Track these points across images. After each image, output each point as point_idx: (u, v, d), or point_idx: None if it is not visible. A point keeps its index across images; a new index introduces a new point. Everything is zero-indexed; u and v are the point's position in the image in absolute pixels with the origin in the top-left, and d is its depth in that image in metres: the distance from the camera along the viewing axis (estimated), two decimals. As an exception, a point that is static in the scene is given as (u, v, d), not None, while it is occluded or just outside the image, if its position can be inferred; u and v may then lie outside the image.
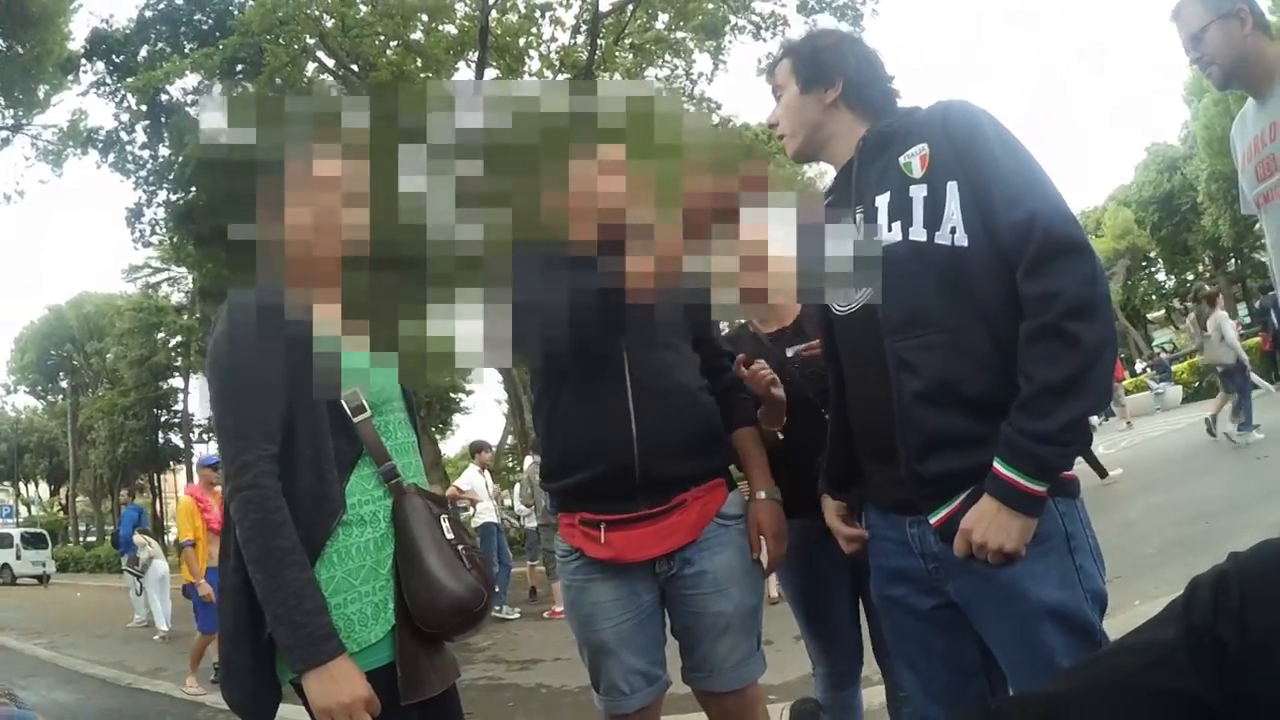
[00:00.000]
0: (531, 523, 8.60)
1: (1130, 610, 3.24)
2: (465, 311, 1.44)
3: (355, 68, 14.26)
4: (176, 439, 35.44)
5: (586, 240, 1.58)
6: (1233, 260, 31.12)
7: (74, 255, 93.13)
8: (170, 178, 14.98)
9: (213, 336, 1.37)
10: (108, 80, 15.23)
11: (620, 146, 1.56)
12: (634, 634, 1.67)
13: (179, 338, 31.29)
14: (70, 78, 16.04)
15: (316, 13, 13.59)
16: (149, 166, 15.45)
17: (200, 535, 5.77)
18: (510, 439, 21.30)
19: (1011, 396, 1.22)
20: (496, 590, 7.57)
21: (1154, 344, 33.32)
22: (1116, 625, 1.24)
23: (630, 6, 15.20)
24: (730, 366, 1.84)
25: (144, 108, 14.65)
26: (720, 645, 1.66)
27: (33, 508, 45.07)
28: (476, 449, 9.16)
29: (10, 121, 17.01)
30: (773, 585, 6.34)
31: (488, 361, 1.67)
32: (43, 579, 23.92)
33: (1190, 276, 35.68)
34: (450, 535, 1.39)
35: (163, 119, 14.62)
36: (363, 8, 14.06)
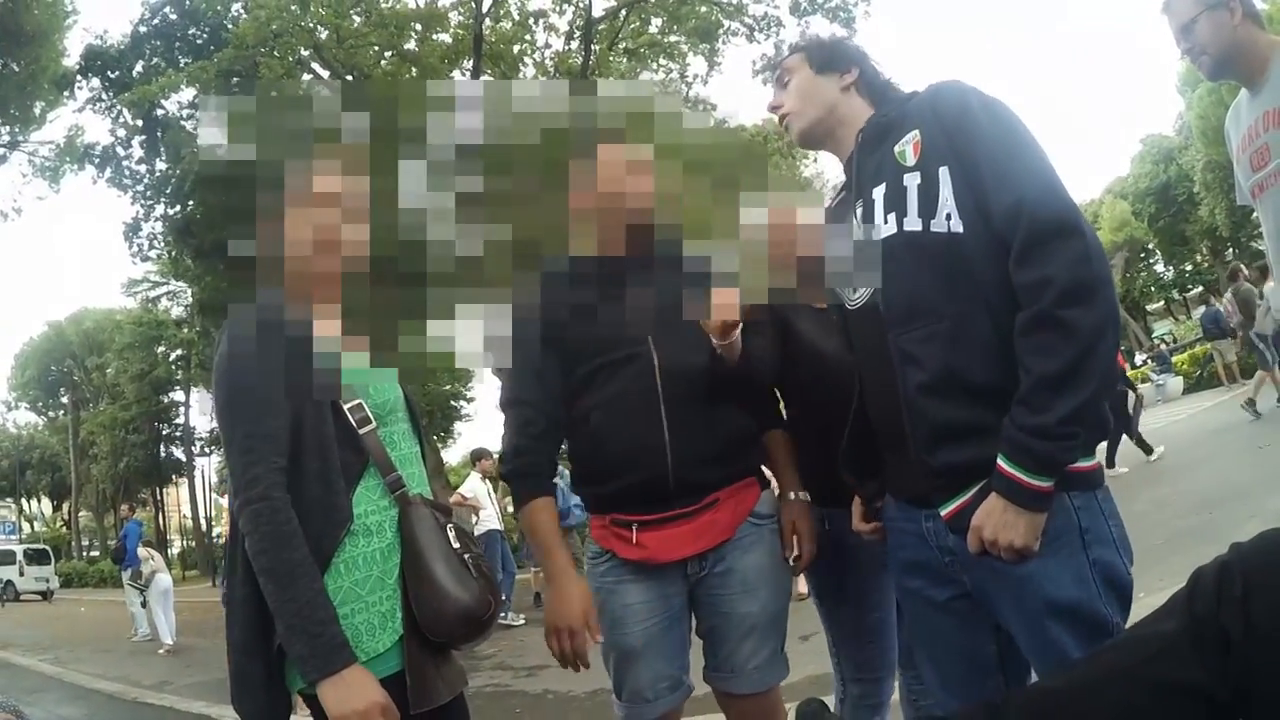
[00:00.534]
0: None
1: (1136, 603, 3.22)
2: (465, 313, 1.45)
3: (350, 79, 14.28)
4: (179, 452, 35.45)
5: (615, 243, 1.60)
6: (1230, 249, 31.10)
7: (73, 271, 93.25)
8: (168, 192, 14.97)
9: (217, 351, 1.38)
10: (103, 96, 15.24)
11: (649, 146, 1.57)
12: (661, 638, 1.65)
13: (179, 351, 31.28)
14: (66, 94, 16.04)
15: (311, 24, 13.62)
16: (146, 181, 15.45)
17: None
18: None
19: (1018, 383, 1.20)
20: (504, 598, 7.58)
21: (1154, 335, 33.29)
22: (1122, 618, 1.24)
23: (624, 12, 15.23)
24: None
25: (140, 122, 14.67)
26: (744, 647, 1.65)
27: (35, 524, 45.04)
28: (478, 456, 9.14)
29: (6, 139, 17.03)
30: (800, 581, 6.31)
31: (489, 363, 1.68)
32: (47, 595, 23.94)
33: (1189, 267, 35.72)
34: (456, 544, 1.40)
35: (159, 133, 14.64)
36: (357, 18, 14.08)
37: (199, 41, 14.60)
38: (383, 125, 1.45)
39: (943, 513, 1.30)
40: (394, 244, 1.43)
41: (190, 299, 21.73)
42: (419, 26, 14.34)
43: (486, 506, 8.35)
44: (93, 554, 37.60)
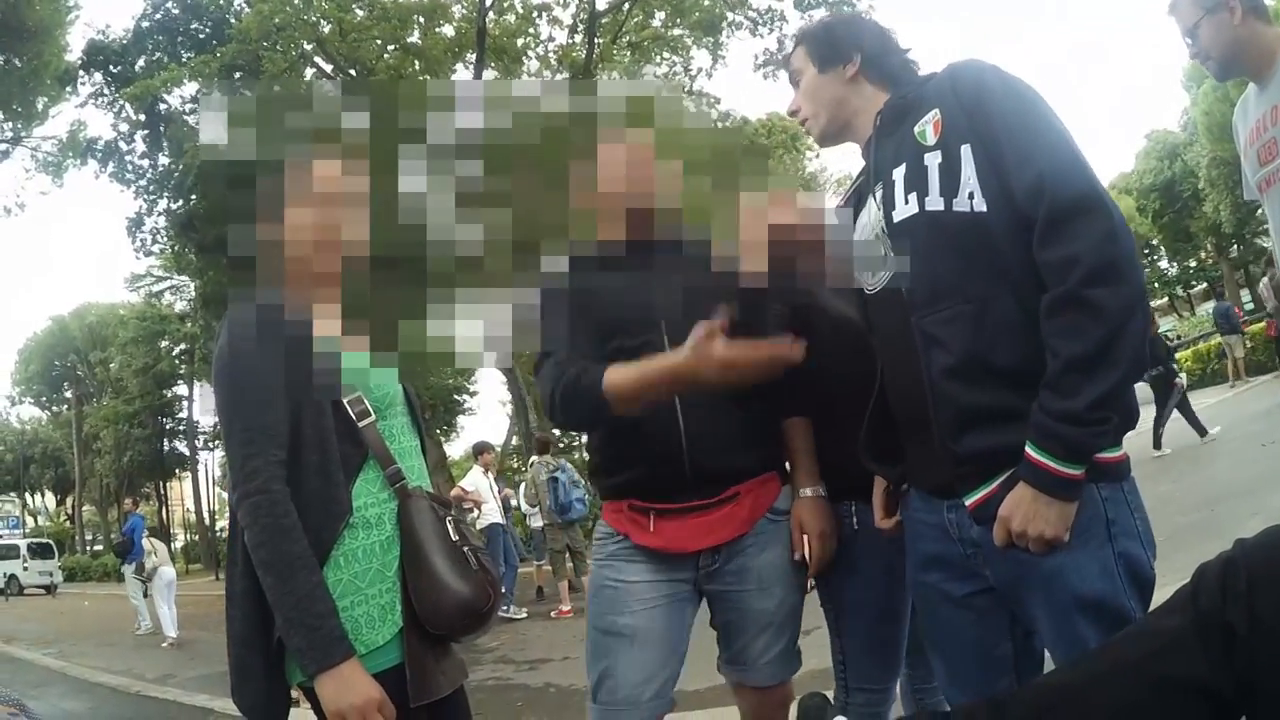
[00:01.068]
0: (537, 523, 8.60)
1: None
2: (466, 311, 1.44)
3: (353, 72, 14.27)
4: (182, 446, 35.54)
5: (616, 234, 1.57)
6: (1235, 246, 31.02)
7: (76, 266, 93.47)
8: (170, 186, 15.00)
9: (216, 344, 1.37)
10: (105, 91, 15.27)
11: (649, 131, 1.54)
12: (659, 625, 1.60)
13: (183, 345, 31.33)
14: (68, 89, 16.07)
15: (313, 18, 13.62)
16: (149, 175, 15.49)
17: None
18: (515, 440, 21.32)
19: (1046, 366, 1.16)
20: (503, 591, 7.59)
21: (1158, 332, 33.17)
22: (1126, 613, 1.23)
23: (627, 5, 15.20)
24: None
25: (142, 117, 14.70)
26: (758, 642, 1.64)
27: (39, 518, 45.21)
28: (480, 450, 9.16)
29: (9, 134, 17.05)
30: None
31: (489, 361, 1.68)
32: (50, 589, 24.00)
33: (1193, 263, 35.61)
34: (455, 537, 1.40)
35: (161, 128, 14.66)
36: (359, 12, 14.06)
37: (201, 36, 14.62)
38: (384, 123, 1.45)
39: (967, 502, 1.26)
40: (394, 240, 1.42)
41: (193, 293, 21.77)
42: (422, 20, 14.33)
43: (489, 500, 8.36)
44: (96, 548, 37.70)
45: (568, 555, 8.06)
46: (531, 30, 15.32)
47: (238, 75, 13.26)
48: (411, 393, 1.54)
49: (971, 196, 1.22)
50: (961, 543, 1.32)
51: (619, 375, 1.46)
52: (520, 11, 15.14)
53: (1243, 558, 1.08)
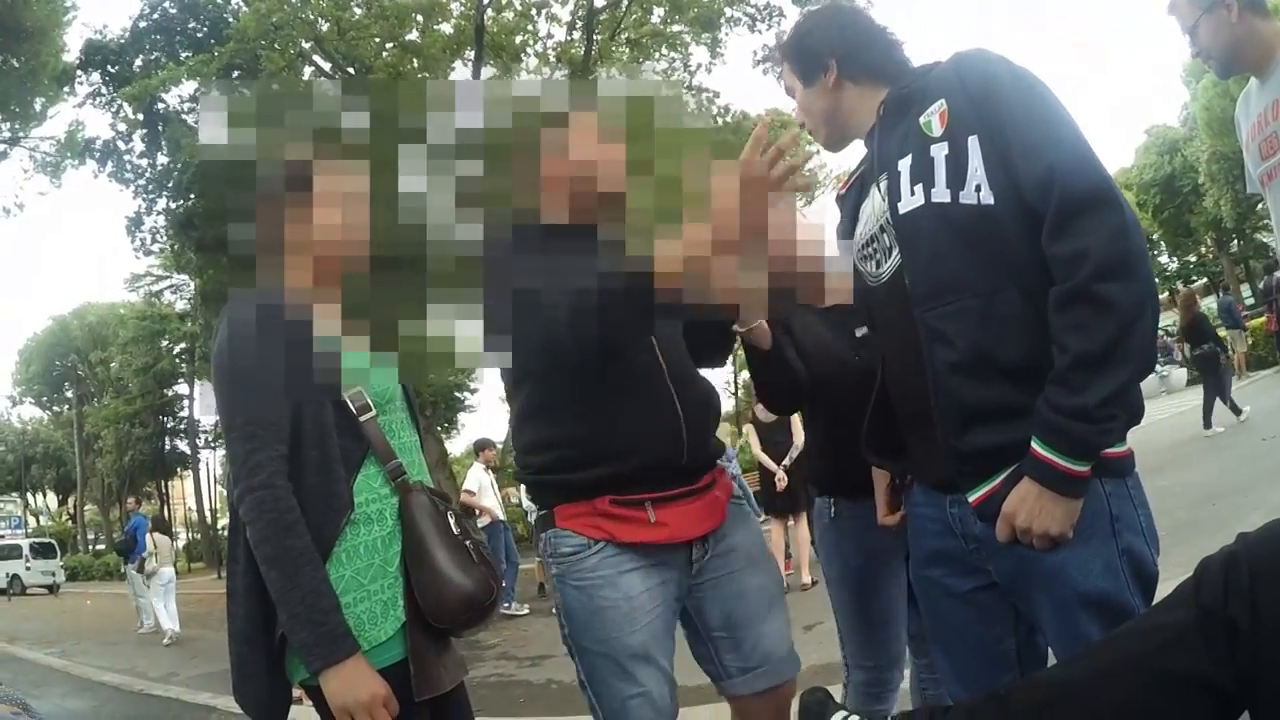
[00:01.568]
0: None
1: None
2: (466, 311, 1.43)
3: (351, 70, 14.25)
4: (183, 445, 35.55)
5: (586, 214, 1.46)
6: (1235, 241, 30.97)
7: (75, 266, 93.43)
8: (169, 185, 14.97)
9: (216, 340, 1.37)
10: (103, 90, 15.22)
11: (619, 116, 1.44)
12: (664, 634, 1.51)
13: (183, 344, 31.32)
14: (66, 89, 16.02)
15: (311, 16, 13.58)
16: (147, 175, 15.46)
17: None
18: (515, 438, 21.26)
19: (1053, 362, 1.14)
20: (504, 586, 7.58)
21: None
22: (1127, 608, 1.23)
23: (625, 2, 15.16)
24: None
25: (140, 116, 14.66)
26: (772, 626, 1.58)
27: (41, 518, 45.24)
28: (481, 447, 9.17)
29: (7, 135, 17.02)
30: (805, 571, 6.35)
31: (489, 362, 1.65)
32: (53, 588, 24.04)
33: (1193, 259, 35.55)
34: (457, 530, 1.40)
35: (160, 127, 14.63)
36: (358, 10, 14.04)
37: (199, 35, 14.58)
38: (383, 120, 1.44)
39: (970, 498, 1.25)
40: (394, 240, 1.42)
41: (193, 292, 21.77)
42: (420, 18, 14.29)
43: (490, 497, 8.37)
44: (98, 548, 37.74)
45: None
46: (530, 27, 15.29)
47: (236, 74, 13.24)
48: (409, 388, 1.54)
49: (978, 189, 1.20)
50: (964, 538, 1.31)
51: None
52: (519, 8, 15.11)
53: (1245, 552, 1.08)
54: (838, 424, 1.83)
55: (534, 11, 15.06)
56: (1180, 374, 16.95)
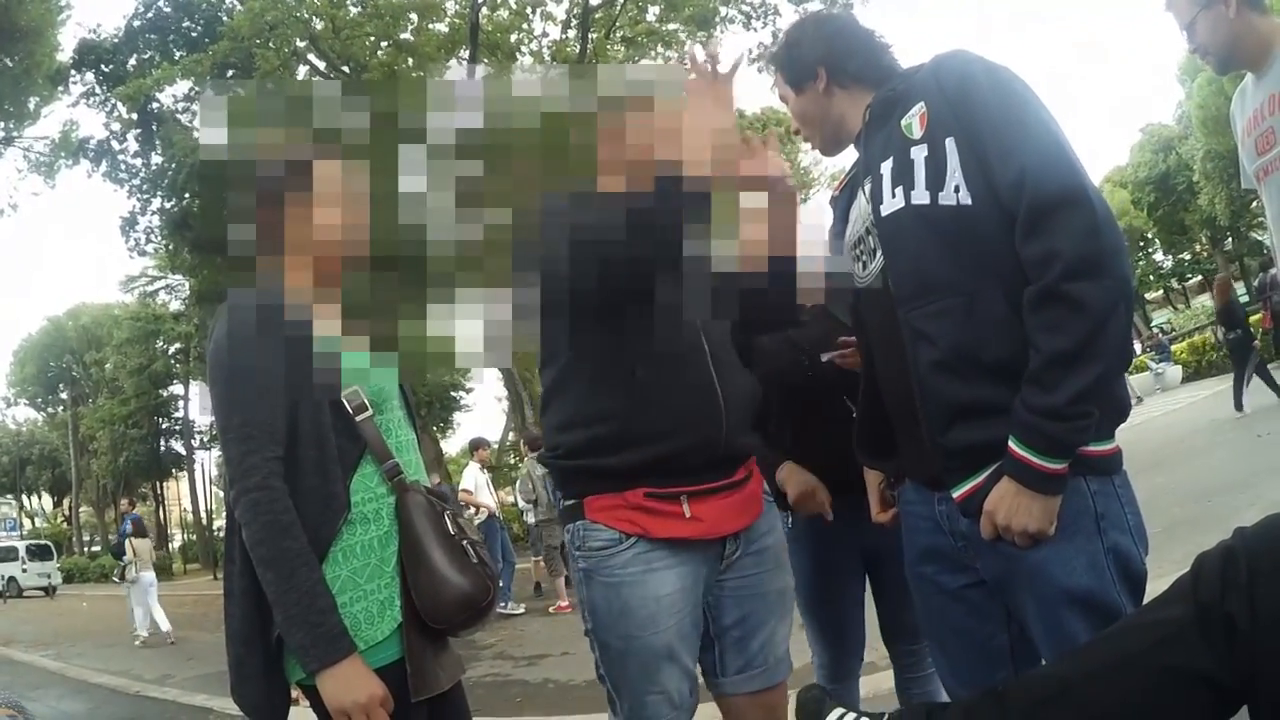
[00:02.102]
0: (532, 518, 8.62)
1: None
2: (465, 310, 1.42)
3: (347, 69, 14.23)
4: (178, 446, 35.47)
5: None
6: (1230, 239, 31.08)
7: (69, 267, 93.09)
8: (164, 185, 14.93)
9: (212, 339, 1.36)
10: (97, 90, 15.19)
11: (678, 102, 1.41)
12: (691, 633, 1.47)
13: (178, 345, 31.26)
14: (60, 89, 15.99)
15: (306, 15, 13.57)
16: (142, 175, 15.42)
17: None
18: (511, 436, 21.32)
19: None
20: (501, 585, 7.60)
21: (1152, 325, 33.25)
22: (1124, 604, 1.23)
23: None
24: None
25: (135, 116, 14.61)
26: (782, 628, 1.56)
27: (36, 520, 45.09)
28: (476, 446, 9.20)
29: (1, 135, 16.96)
30: None
31: (489, 362, 1.64)
32: (49, 590, 23.96)
33: (1187, 256, 35.67)
34: (453, 530, 1.39)
35: (154, 127, 14.59)
36: (353, 9, 14.02)
37: (193, 34, 14.54)
38: (381, 118, 1.43)
39: (955, 494, 1.27)
40: (393, 239, 1.42)
41: (188, 292, 21.71)
42: (415, 16, 14.28)
43: (485, 496, 8.38)
44: (94, 549, 37.63)
45: (564, 550, 8.07)
46: (525, 25, 15.29)
47: (230, 74, 13.21)
48: (406, 387, 1.53)
49: (957, 190, 1.22)
50: (952, 535, 1.33)
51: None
52: (513, 7, 15.11)
53: (1242, 547, 1.08)
54: (826, 420, 1.86)
55: (529, 9, 15.06)
56: (1175, 371, 17.04)
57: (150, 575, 9.65)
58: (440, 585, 1.33)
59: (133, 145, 15.34)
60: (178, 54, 14.11)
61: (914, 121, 1.28)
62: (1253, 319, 12.49)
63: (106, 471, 34.98)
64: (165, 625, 9.18)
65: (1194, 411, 10.86)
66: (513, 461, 19.96)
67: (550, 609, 7.79)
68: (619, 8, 15.39)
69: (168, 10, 14.74)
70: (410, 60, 14.19)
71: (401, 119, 1.49)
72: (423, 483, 1.44)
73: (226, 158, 1.41)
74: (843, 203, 1.52)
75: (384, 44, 14.45)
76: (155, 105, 14.42)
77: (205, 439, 31.95)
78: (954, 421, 1.24)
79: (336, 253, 1.39)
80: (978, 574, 1.32)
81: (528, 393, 16.32)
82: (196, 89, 13.10)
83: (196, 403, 31.48)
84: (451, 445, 32.25)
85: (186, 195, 14.23)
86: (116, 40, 14.89)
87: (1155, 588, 1.19)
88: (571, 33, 15.25)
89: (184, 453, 34.71)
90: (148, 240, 16.19)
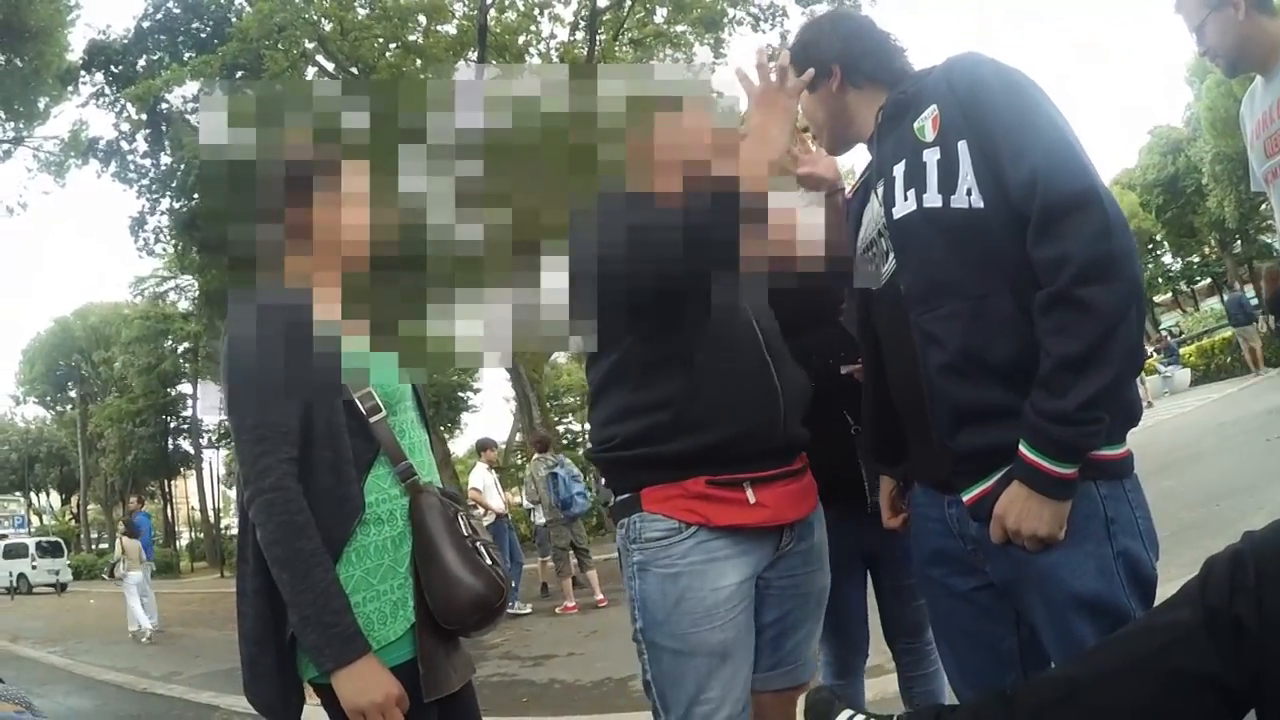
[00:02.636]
0: (539, 519, 8.63)
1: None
2: (469, 311, 1.42)
3: (355, 71, 14.28)
4: (186, 445, 35.60)
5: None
6: (1238, 241, 30.90)
7: (79, 266, 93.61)
8: (173, 185, 15.02)
9: (224, 341, 1.37)
10: (107, 90, 15.30)
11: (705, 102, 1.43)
12: (747, 630, 1.41)
13: (186, 344, 31.38)
14: (70, 89, 16.09)
15: (314, 17, 13.62)
16: (151, 175, 15.52)
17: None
18: (518, 436, 21.35)
19: None
20: (512, 586, 7.62)
21: (1161, 328, 33.11)
22: (1132, 608, 1.23)
23: (628, 1, 15.18)
24: None
25: (144, 116, 14.71)
26: (816, 629, 1.54)
27: (44, 517, 45.34)
28: (483, 446, 9.22)
29: (11, 134, 17.08)
30: None
31: (492, 361, 1.64)
32: (59, 587, 24.07)
33: (1196, 259, 35.48)
34: (466, 532, 1.40)
35: (163, 127, 14.68)
36: (361, 11, 14.07)
37: (202, 35, 14.64)
38: (384, 118, 1.44)
39: (965, 498, 1.27)
40: (400, 239, 1.42)
41: (196, 291, 21.81)
42: (423, 18, 14.33)
43: (493, 498, 8.39)
44: (102, 547, 37.79)
45: (571, 551, 8.09)
46: (533, 28, 15.32)
47: (239, 74, 13.27)
48: (418, 387, 1.54)
49: (969, 193, 1.22)
50: (962, 538, 1.33)
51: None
52: (521, 9, 15.14)
53: (1251, 551, 1.08)
54: (831, 420, 1.82)
55: (537, 11, 15.09)
56: (1184, 375, 16.93)
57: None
58: (453, 586, 1.33)
59: (142, 145, 15.47)
60: (187, 55, 14.21)
61: (926, 124, 1.28)
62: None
63: (115, 469, 35.14)
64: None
65: (1203, 415, 10.79)
66: (520, 462, 20.00)
67: (557, 609, 7.80)
68: (627, 10, 15.42)
69: (177, 11, 14.84)
70: (418, 62, 14.24)
71: (401, 119, 1.49)
72: (435, 484, 1.45)
73: (227, 158, 1.41)
74: (855, 205, 1.52)
75: (392, 46, 14.50)
76: (164, 106, 14.51)
77: (213, 438, 32.07)
78: (963, 424, 1.24)
79: (345, 253, 1.40)
80: (987, 577, 1.32)
81: (535, 393, 16.35)
82: (205, 89, 13.17)
83: (203, 402, 31.63)
84: (459, 446, 32.33)
85: (195, 196, 14.30)
86: (126, 41, 15.00)
87: (1163, 591, 1.19)
88: (579, 34, 15.29)
89: (192, 451, 34.83)
90: (156, 240, 16.30)
